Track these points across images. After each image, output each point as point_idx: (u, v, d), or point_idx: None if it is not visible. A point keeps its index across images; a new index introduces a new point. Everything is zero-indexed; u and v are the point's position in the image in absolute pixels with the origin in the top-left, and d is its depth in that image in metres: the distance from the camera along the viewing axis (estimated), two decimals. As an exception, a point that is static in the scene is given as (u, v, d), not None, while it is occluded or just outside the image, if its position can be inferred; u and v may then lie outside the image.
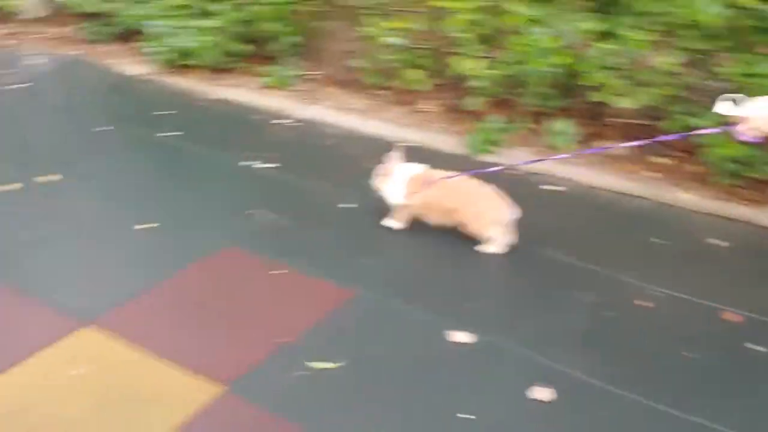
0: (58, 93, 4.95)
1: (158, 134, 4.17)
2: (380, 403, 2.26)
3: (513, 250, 3.03)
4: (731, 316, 2.67)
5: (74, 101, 4.76)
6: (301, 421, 2.18)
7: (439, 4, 3.73)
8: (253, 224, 3.25)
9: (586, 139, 3.84)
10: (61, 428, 2.16)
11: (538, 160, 3.51)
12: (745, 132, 2.25)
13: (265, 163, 3.84)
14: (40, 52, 5.63)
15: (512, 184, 3.52)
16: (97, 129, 4.26)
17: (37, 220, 3.29)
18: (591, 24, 3.25)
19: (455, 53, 3.91)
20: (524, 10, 3.40)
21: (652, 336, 2.57)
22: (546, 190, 3.55)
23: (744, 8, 3.04)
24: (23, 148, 4.02)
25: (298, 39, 4.71)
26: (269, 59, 4.97)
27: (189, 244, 3.11)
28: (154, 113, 4.51)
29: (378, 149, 3.96)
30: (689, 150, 3.62)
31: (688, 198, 3.47)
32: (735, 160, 3.26)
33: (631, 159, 3.75)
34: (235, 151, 3.98)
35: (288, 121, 4.40)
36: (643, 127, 3.67)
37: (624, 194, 3.56)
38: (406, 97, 4.48)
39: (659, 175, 3.64)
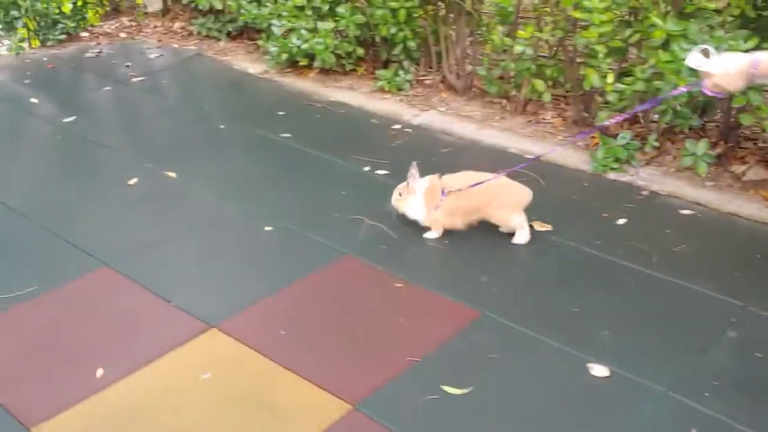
0: (176, 88, 5.04)
1: (274, 135, 4.18)
2: (515, 436, 2.16)
3: (655, 279, 2.86)
4: None
5: (191, 97, 4.84)
6: (434, 449, 2.11)
7: (576, 15, 3.59)
8: (371, 233, 3.20)
9: (720, 161, 3.63)
10: (194, 435, 2.17)
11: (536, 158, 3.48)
12: (709, 87, 2.26)
13: (378, 169, 3.79)
14: (157, 45, 5.77)
15: (651, 209, 3.38)
16: (214, 126, 4.31)
17: (158, 217, 3.34)
18: (752, 43, 3.03)
19: (585, 65, 3.75)
20: (668, 25, 3.21)
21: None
22: (685, 215, 3.35)
23: None
24: (142, 143, 4.11)
25: (415, 43, 4.64)
26: (383, 62, 4.93)
27: (308, 251, 3.08)
28: (270, 113, 4.53)
29: (496, 160, 3.87)
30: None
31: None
32: None
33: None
34: (350, 155, 3.94)
35: (401, 126, 4.34)
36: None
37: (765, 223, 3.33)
38: (525, 107, 4.34)
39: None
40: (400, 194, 3.20)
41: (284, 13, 4.79)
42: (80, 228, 3.22)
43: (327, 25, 4.64)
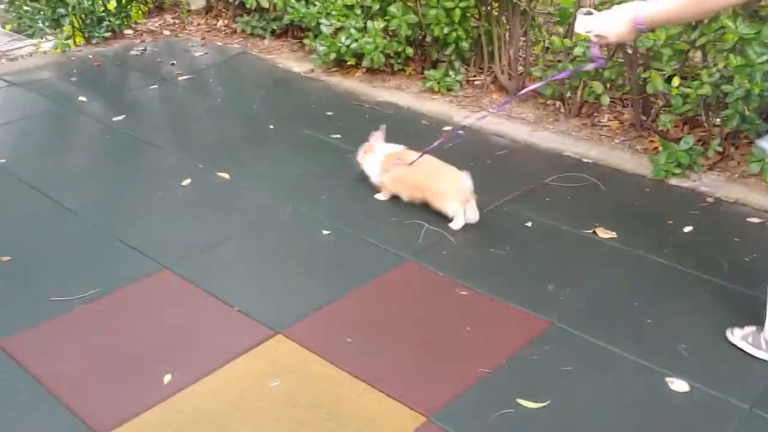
0: (222, 87, 5.02)
1: (323, 135, 4.14)
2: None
3: (728, 290, 2.77)
4: None
5: (238, 96, 4.81)
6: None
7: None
8: (430, 238, 3.14)
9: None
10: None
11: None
12: (599, 45, 2.29)
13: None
14: (201, 43, 5.75)
15: (717, 216, 3.29)
16: (263, 126, 4.28)
17: (214, 219, 3.31)
18: None
19: (647, 67, 3.66)
20: (740, 28, 3.10)
21: None
22: (753, 223, 3.26)
23: None
24: (193, 143, 4.08)
25: (467, 43, 4.57)
26: (432, 62, 4.87)
27: (368, 256, 3.03)
28: (318, 113, 4.48)
29: (552, 163, 3.79)
30: None
31: None
32: None
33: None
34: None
35: (452, 127, 4.27)
36: None
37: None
38: (581, 109, 4.25)
39: None
40: (364, 152, 3.53)
41: (333, 12, 4.74)
42: (137, 229, 3.19)
43: (377, 24, 4.58)
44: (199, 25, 6.11)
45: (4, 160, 3.74)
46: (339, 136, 4.13)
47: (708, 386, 2.30)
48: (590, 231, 3.14)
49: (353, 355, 2.46)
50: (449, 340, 2.55)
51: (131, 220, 3.28)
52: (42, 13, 5.51)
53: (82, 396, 2.27)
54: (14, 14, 5.72)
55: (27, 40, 5.92)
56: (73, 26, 5.53)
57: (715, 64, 3.38)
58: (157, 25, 6.13)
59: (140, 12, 6.01)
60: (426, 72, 4.73)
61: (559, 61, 4.15)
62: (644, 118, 3.99)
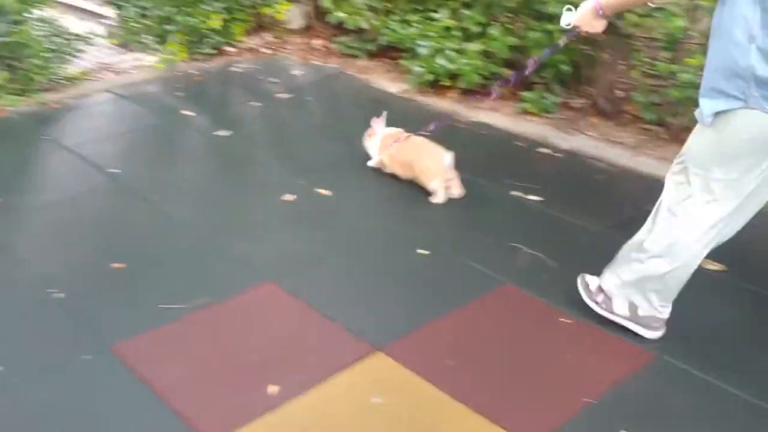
0: (320, 105, 5.13)
1: (420, 154, 4.18)
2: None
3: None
4: None
5: (336, 114, 4.92)
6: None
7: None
8: (529, 262, 3.12)
9: None
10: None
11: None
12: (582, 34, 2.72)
13: (528, 194, 3.72)
14: (300, 62, 5.90)
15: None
16: (360, 144, 4.33)
17: (315, 234, 3.38)
18: None
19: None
20: None
21: None
22: None
23: None
24: (294, 159, 4.18)
25: (566, 66, 4.53)
26: (527, 84, 4.85)
27: (465, 278, 3.04)
28: (414, 132, 4.52)
29: (653, 189, 3.69)
30: None
31: None
32: None
33: None
34: (498, 178, 3.89)
35: (550, 150, 4.24)
36: None
37: None
38: (683, 135, 4.15)
39: None
40: (368, 135, 3.97)
41: (431, 34, 4.79)
42: (241, 241, 3.30)
43: (475, 46, 4.61)
44: (297, 44, 6.28)
45: (118, 170, 3.93)
46: (435, 155, 4.16)
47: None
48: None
49: (454, 376, 2.46)
50: (550, 367, 2.52)
51: (236, 232, 3.39)
52: (151, 29, 5.77)
53: (191, 402, 2.36)
54: (124, 30, 6.02)
55: (130, 54, 6.22)
56: (178, 43, 5.76)
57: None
58: (257, 43, 6.32)
59: (242, 30, 6.21)
60: (521, 93, 4.72)
61: (662, 86, 4.08)
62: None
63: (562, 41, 3.06)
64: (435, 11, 4.70)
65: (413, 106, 4.98)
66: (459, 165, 3.68)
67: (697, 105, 2.33)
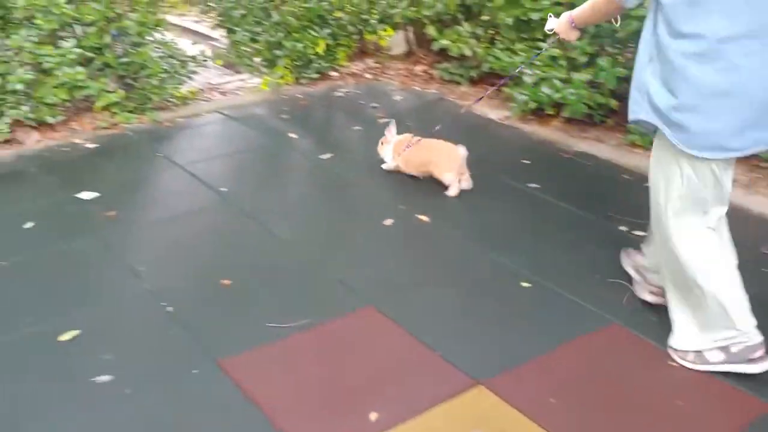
0: (421, 130, 5.14)
1: (521, 184, 4.14)
2: None
3: None
4: None
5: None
6: None
7: None
8: (637, 301, 3.02)
9: None
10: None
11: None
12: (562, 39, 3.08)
13: (635, 229, 3.61)
14: (401, 87, 5.97)
15: None
16: (462, 171, 4.35)
17: (414, 260, 3.39)
18: None
19: None
20: None
21: None
22: None
23: None
24: (394, 184, 4.21)
25: (677, 98, 4.40)
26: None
27: (570, 314, 2.97)
28: (515, 160, 4.49)
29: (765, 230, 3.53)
30: None
31: None
32: None
33: None
34: (603, 211, 3.80)
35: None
36: None
37: None
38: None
39: None
40: (382, 143, 4.28)
41: (537, 63, 4.76)
42: (343, 263, 3.34)
43: (582, 76, 4.54)
44: (398, 70, 6.35)
45: (225, 189, 4.07)
46: (537, 185, 4.11)
47: None
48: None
49: (557, 416, 2.40)
50: (659, 412, 2.43)
51: (337, 254, 3.44)
52: (260, 53, 5.98)
53: (295, 422, 2.39)
54: (234, 53, 6.26)
55: (235, 76, 6.47)
56: (285, 67, 5.94)
57: None
58: (359, 68, 6.44)
59: (345, 55, 6.34)
60: (629, 125, 4.61)
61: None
62: None
63: (545, 45, 3.83)
64: (542, 40, 4.66)
65: (514, 134, 4.94)
66: (564, 196, 3.62)
67: None
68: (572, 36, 3.00)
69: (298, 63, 5.98)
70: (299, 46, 5.82)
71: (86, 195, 3.97)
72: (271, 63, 5.99)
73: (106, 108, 5.00)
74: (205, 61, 5.76)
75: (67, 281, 3.20)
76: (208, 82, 6.17)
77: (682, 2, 2.31)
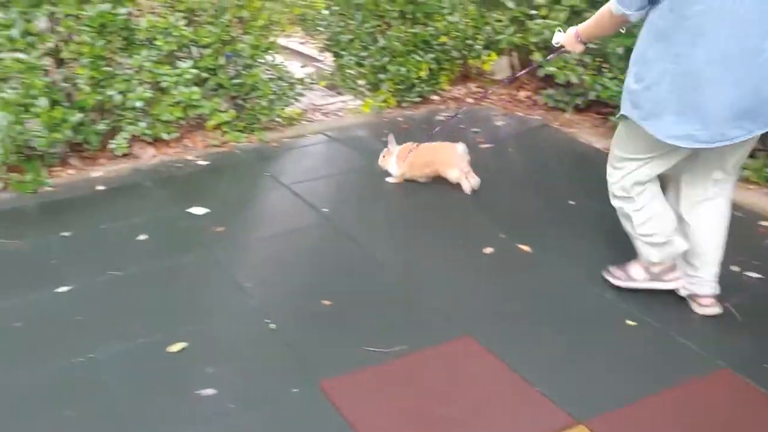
0: (522, 158, 5.13)
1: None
2: None
3: None
4: None
5: (538, 168, 4.88)
6: None
7: None
8: (750, 347, 2.88)
9: None
10: None
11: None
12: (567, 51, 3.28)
13: (747, 270, 3.44)
14: (503, 113, 5.94)
15: None
16: (563, 201, 4.27)
17: (514, 291, 3.35)
18: None
19: None
20: None
21: None
22: None
23: None
24: (495, 212, 4.18)
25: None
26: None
27: (676, 356, 2.86)
28: (620, 193, 4.37)
29: None
30: None
31: None
32: None
33: None
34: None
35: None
36: None
37: None
38: None
39: None
40: (383, 156, 4.52)
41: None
42: (440, 290, 3.34)
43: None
44: (501, 95, 6.33)
45: (327, 210, 4.15)
46: (643, 219, 3.98)
47: None
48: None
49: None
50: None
51: (435, 281, 3.44)
52: (365, 76, 6.09)
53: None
54: (339, 75, 6.40)
55: (337, 97, 6.61)
56: (388, 90, 6.02)
57: None
58: (461, 92, 6.46)
59: (447, 79, 6.37)
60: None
61: None
62: None
63: (550, 56, 3.89)
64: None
65: (620, 166, 4.81)
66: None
67: None
68: (578, 49, 3.23)
69: (400, 87, 6.05)
70: (403, 70, 5.89)
71: (197, 210, 4.15)
72: (374, 86, 6.09)
73: (217, 127, 5.22)
74: (313, 83, 5.91)
75: (178, 293, 3.35)
76: (312, 103, 6.34)
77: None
